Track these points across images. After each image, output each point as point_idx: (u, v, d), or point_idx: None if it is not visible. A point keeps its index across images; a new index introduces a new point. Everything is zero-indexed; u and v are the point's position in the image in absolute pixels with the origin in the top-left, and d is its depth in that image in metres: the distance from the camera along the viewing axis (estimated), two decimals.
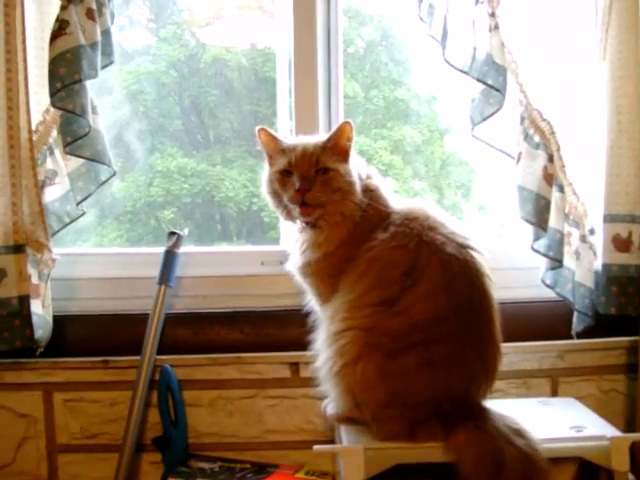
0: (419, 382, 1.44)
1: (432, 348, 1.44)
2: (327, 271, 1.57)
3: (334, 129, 1.58)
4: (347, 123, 1.57)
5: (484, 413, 1.50)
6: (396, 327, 1.45)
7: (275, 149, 1.61)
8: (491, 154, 1.92)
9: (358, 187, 1.56)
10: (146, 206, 2.28)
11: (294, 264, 1.62)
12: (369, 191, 1.58)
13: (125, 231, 2.30)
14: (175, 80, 2.29)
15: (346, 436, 1.53)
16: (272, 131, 1.62)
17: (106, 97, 2.22)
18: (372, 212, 1.56)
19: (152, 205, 2.27)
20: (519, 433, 1.45)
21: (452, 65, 1.80)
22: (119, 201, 2.26)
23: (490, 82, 1.77)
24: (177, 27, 2.29)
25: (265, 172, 1.63)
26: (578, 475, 1.53)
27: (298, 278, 1.63)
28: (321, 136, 1.63)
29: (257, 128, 1.62)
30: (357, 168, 1.60)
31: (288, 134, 2.01)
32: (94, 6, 1.73)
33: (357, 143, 1.91)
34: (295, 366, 1.91)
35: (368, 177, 1.61)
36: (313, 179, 1.54)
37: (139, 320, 1.89)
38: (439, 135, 2.37)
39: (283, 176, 1.57)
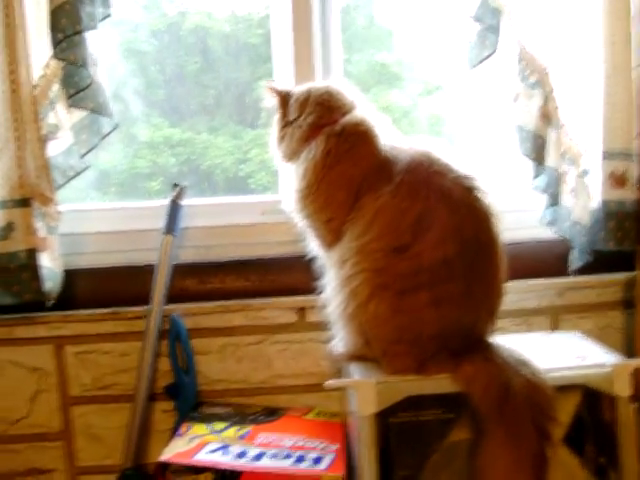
0: (428, 318, 1.48)
1: (440, 287, 1.48)
2: (320, 215, 1.61)
3: None
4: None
5: (490, 346, 1.54)
6: (406, 268, 1.48)
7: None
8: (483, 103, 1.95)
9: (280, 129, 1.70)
10: (132, 178, 2.27)
11: (288, 201, 1.69)
12: (351, 135, 1.60)
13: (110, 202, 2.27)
14: (156, 49, 2.27)
15: (357, 373, 1.56)
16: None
17: None
18: (361, 154, 1.58)
19: (138, 176, 2.27)
20: (524, 363, 1.49)
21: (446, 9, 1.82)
22: (104, 174, 2.25)
23: (486, 24, 1.79)
24: None
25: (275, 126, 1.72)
26: (582, 403, 1.57)
27: (296, 218, 1.67)
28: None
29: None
30: (332, 113, 1.64)
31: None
32: None
33: None
34: (301, 311, 1.95)
35: (355, 124, 1.62)
36: None
37: (146, 271, 1.91)
38: (427, 95, 2.37)
39: None
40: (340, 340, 1.65)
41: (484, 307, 1.55)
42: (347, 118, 1.62)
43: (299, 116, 1.65)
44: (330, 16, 2.05)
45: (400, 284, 1.49)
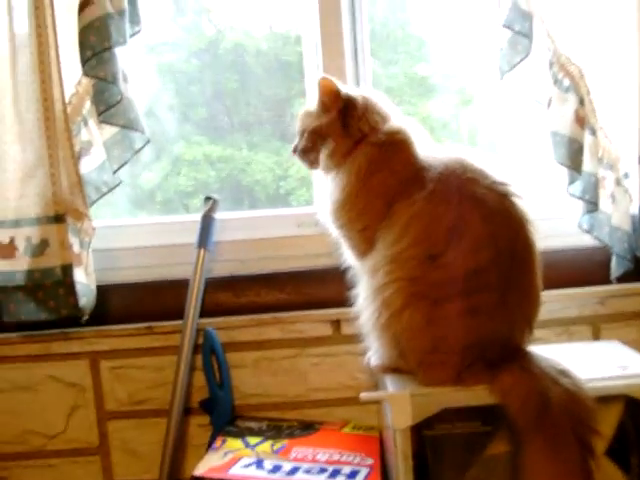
0: (463, 328, 1.45)
1: (475, 296, 1.45)
2: (355, 224, 1.59)
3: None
4: (321, 79, 1.62)
5: (528, 356, 1.50)
6: (440, 278, 1.46)
7: None
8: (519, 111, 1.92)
9: (338, 134, 1.61)
10: (175, 195, 2.29)
11: (323, 211, 1.66)
12: (388, 144, 1.57)
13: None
14: (196, 68, 2.30)
15: (392, 385, 1.54)
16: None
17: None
18: (397, 167, 1.55)
19: (181, 194, 2.28)
20: (564, 373, 1.46)
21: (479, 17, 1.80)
22: (148, 192, 2.27)
23: (517, 28, 1.76)
24: (195, 15, 2.30)
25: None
26: (625, 413, 1.53)
27: (331, 229, 1.65)
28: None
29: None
30: (373, 121, 1.60)
31: None
32: None
33: None
34: (336, 323, 1.93)
35: (393, 132, 1.59)
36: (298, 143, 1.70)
37: (180, 286, 1.91)
38: (464, 105, 2.35)
39: None
40: (374, 352, 1.62)
41: (521, 316, 1.51)
42: (387, 127, 1.60)
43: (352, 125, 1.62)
44: (360, 29, 2.05)
45: (434, 293, 1.46)
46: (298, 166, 2.17)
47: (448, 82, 2.34)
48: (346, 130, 1.60)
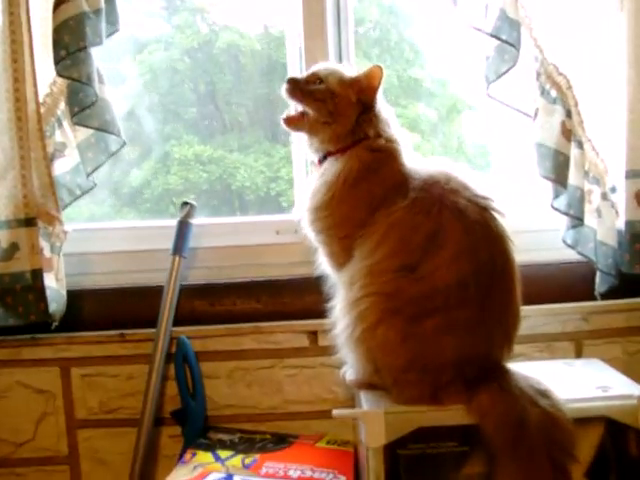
0: (440, 345, 1.41)
1: (453, 312, 1.41)
2: (336, 231, 1.54)
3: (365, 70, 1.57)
4: (377, 68, 1.55)
5: (507, 374, 1.46)
6: (417, 292, 1.41)
7: None
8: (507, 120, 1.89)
9: (348, 123, 1.54)
10: (164, 194, 2.26)
11: (302, 209, 1.60)
12: (382, 151, 1.53)
13: (142, 219, 2.27)
14: (189, 67, 2.28)
15: (366, 401, 1.49)
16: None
17: (120, 87, 2.21)
18: (386, 176, 1.51)
19: (170, 193, 2.26)
20: (543, 393, 1.41)
21: (465, 22, 1.76)
22: (136, 189, 2.25)
23: (504, 37, 1.73)
24: (189, 14, 2.27)
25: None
26: (605, 436, 1.49)
27: (308, 232, 1.59)
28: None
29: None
30: (378, 127, 1.55)
31: None
32: None
33: None
34: (313, 335, 1.89)
35: (389, 140, 1.55)
36: (307, 82, 1.58)
37: (154, 292, 1.87)
38: (455, 114, 2.33)
39: None
40: (349, 367, 1.58)
41: (500, 333, 1.47)
42: (386, 134, 1.56)
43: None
44: (345, 29, 2.01)
45: (410, 308, 1.42)
46: (289, 168, 2.15)
47: (439, 87, 2.34)
48: (356, 124, 1.55)
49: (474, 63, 1.91)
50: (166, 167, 2.26)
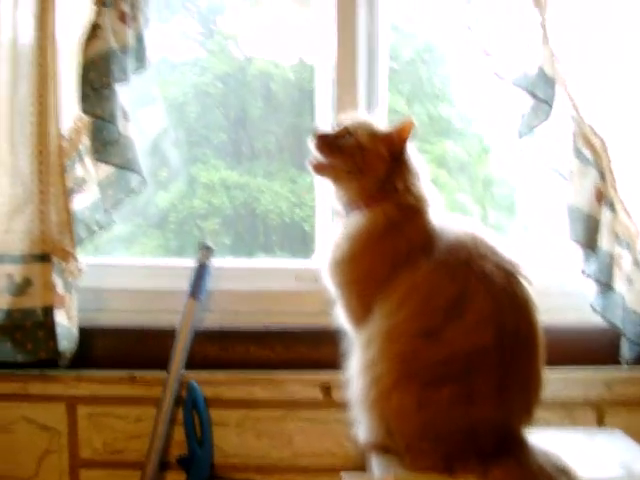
0: (456, 414, 1.36)
1: (472, 380, 1.36)
2: (357, 287, 1.49)
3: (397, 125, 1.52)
4: (409, 121, 1.51)
5: (525, 448, 1.41)
6: (435, 358, 1.37)
7: None
8: (535, 172, 1.85)
9: (378, 177, 1.49)
10: (189, 217, 2.25)
11: (324, 260, 1.55)
12: (409, 208, 1.48)
13: (165, 240, 2.27)
14: (221, 92, 2.27)
15: (378, 465, 1.45)
16: None
17: (151, 108, 2.21)
18: (411, 234, 1.47)
19: (195, 216, 2.25)
20: (563, 472, 1.36)
21: (501, 77, 1.72)
22: (162, 212, 2.24)
23: (540, 95, 1.69)
24: (224, 39, 2.28)
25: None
26: None
27: (328, 284, 1.54)
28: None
29: None
30: (408, 183, 1.50)
31: None
32: (127, 9, 1.69)
33: None
34: (327, 388, 1.84)
35: (418, 198, 1.50)
36: (336, 137, 1.53)
37: (167, 334, 1.83)
38: (484, 153, 2.30)
39: None
40: (363, 428, 1.53)
41: (520, 405, 1.42)
42: (415, 190, 1.51)
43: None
44: (377, 62, 1.99)
45: (427, 374, 1.37)
46: (313, 194, 2.12)
47: (468, 125, 2.31)
48: (386, 179, 1.50)
49: (506, 104, 1.88)
50: (192, 190, 2.26)
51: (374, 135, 1.52)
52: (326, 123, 1.97)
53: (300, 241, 2.26)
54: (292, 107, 2.25)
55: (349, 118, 1.58)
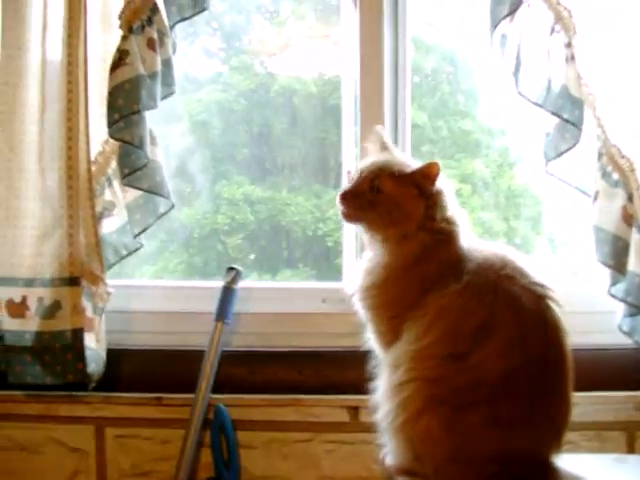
0: (485, 439, 1.35)
1: (500, 405, 1.35)
2: (385, 310, 1.49)
3: (420, 165, 1.48)
4: (434, 165, 1.46)
5: (555, 472, 1.40)
6: (463, 382, 1.36)
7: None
8: (561, 187, 1.83)
9: (415, 224, 1.46)
10: (212, 233, 2.27)
11: (354, 286, 1.54)
12: (440, 233, 1.47)
13: (189, 256, 2.29)
14: (244, 109, 2.29)
15: None
16: (386, 137, 1.58)
17: (175, 125, 2.23)
18: (441, 257, 1.46)
19: (218, 232, 2.27)
20: None
21: (526, 97, 1.71)
22: (186, 228, 2.26)
23: (566, 116, 1.68)
24: (247, 56, 2.30)
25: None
26: None
27: (358, 308, 1.54)
28: (412, 163, 1.53)
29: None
30: (435, 206, 1.48)
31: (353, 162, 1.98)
32: (155, 36, 1.71)
33: None
34: (354, 410, 1.84)
35: (447, 221, 1.48)
36: (362, 192, 1.48)
37: (195, 357, 1.84)
38: (508, 168, 2.30)
39: (347, 180, 1.54)
40: (390, 451, 1.52)
41: (549, 429, 1.41)
42: (447, 215, 1.50)
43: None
44: (403, 78, 2.00)
45: (456, 398, 1.37)
46: (336, 209, 2.11)
47: (492, 139, 2.32)
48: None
49: (529, 119, 1.87)
50: (215, 206, 2.27)
51: (401, 181, 1.48)
52: (350, 139, 2.01)
53: (324, 257, 2.27)
54: (315, 121, 2.27)
55: (369, 168, 1.51)
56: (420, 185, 1.47)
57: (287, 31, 2.29)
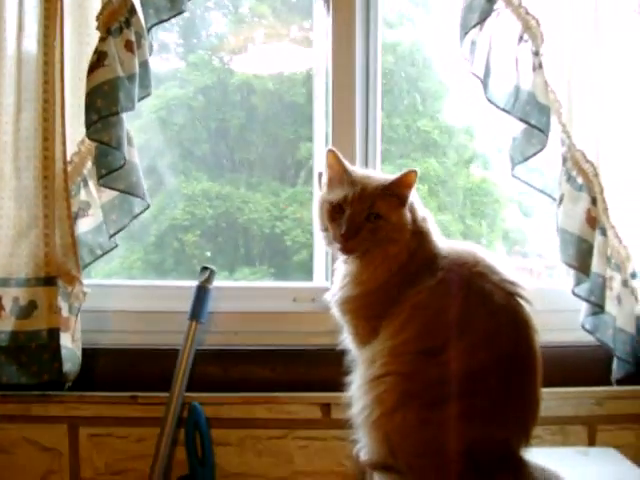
0: (457, 432, 1.39)
1: (472, 400, 1.39)
2: (366, 311, 1.52)
3: (398, 175, 1.48)
4: (413, 172, 1.48)
5: (524, 466, 1.45)
6: (437, 377, 1.40)
7: (338, 176, 1.51)
8: (521, 186, 1.89)
9: (408, 233, 1.49)
10: (170, 229, 2.26)
11: (333, 296, 1.56)
12: (419, 233, 1.51)
13: (145, 253, 2.28)
14: (202, 105, 2.29)
15: None
16: (341, 156, 1.51)
17: (134, 121, 2.21)
18: (419, 255, 1.50)
19: (176, 228, 2.26)
20: None
21: (494, 103, 1.76)
22: (144, 224, 2.23)
23: (533, 122, 1.73)
24: (205, 53, 2.30)
25: (318, 194, 1.56)
26: None
27: (336, 313, 1.57)
28: (384, 176, 1.54)
29: (327, 149, 1.53)
30: (412, 210, 1.51)
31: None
32: (133, 38, 1.71)
33: (383, 171, 1.92)
34: (326, 407, 1.87)
35: (423, 220, 1.53)
36: (362, 224, 1.45)
37: (169, 355, 1.85)
38: (463, 166, 2.34)
39: (335, 210, 1.48)
40: (364, 446, 1.56)
41: (519, 422, 1.46)
42: (418, 216, 1.53)
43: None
44: (374, 80, 2.02)
45: (430, 393, 1.41)
46: (295, 207, 2.16)
47: (449, 140, 2.33)
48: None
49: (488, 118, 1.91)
50: (173, 202, 2.27)
51: (386, 195, 1.48)
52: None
53: (282, 255, 2.27)
54: (273, 118, 2.27)
55: (357, 191, 1.48)
56: (399, 194, 1.49)
57: (245, 28, 2.29)
